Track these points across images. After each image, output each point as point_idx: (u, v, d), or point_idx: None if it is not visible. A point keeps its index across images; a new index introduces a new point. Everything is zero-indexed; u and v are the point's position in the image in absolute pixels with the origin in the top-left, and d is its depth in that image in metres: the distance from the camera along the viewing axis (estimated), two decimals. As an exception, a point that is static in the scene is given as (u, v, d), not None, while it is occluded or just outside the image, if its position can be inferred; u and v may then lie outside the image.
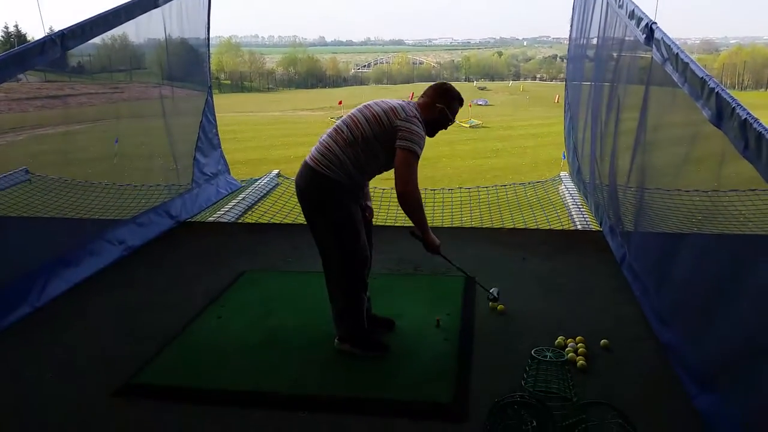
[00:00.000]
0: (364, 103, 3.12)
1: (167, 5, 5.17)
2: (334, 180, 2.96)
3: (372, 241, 3.41)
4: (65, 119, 4.98)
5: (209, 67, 6.49)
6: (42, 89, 4.84)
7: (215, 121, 6.50)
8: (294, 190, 3.22)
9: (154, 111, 5.77)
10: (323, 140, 3.04)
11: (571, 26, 6.78)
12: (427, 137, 3.08)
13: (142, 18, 4.82)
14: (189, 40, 6.05)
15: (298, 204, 3.19)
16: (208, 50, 6.40)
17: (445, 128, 3.21)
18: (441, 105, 3.09)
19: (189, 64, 6.32)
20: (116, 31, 4.59)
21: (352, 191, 3.06)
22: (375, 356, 3.22)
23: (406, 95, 54.59)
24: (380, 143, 2.95)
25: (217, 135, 6.56)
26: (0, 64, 3.45)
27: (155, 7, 4.99)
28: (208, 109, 6.32)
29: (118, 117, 5.44)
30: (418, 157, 2.94)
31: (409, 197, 2.93)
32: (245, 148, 21.48)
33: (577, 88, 6.73)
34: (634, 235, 4.13)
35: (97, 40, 4.45)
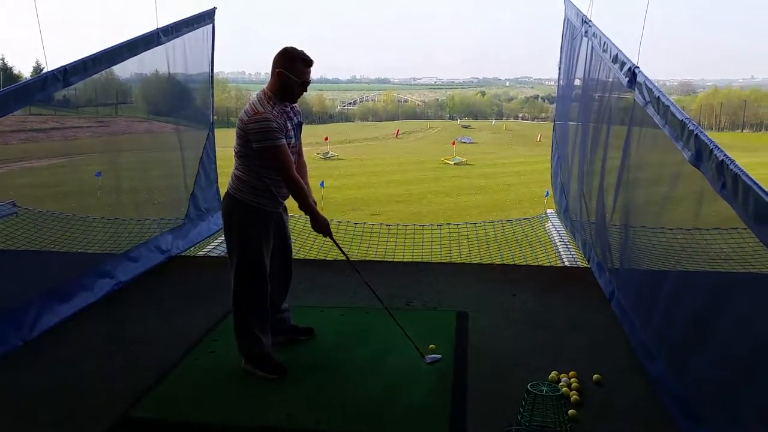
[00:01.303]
0: None
1: (170, 42, 5.24)
2: (238, 200, 3.31)
3: (289, 260, 3.69)
4: (66, 151, 5.00)
5: (212, 104, 6.55)
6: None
7: (215, 156, 6.52)
8: None
9: (151, 145, 5.81)
10: None
11: (559, 68, 6.98)
12: (302, 98, 3.39)
13: (146, 54, 4.87)
14: (192, 76, 6.10)
15: None
16: (212, 87, 6.45)
17: (300, 90, 3.31)
18: (279, 69, 3.24)
19: (191, 100, 6.36)
20: (118, 67, 4.63)
21: (259, 206, 3.32)
22: (274, 378, 3.36)
23: (391, 132, 55.31)
24: (252, 150, 3.21)
25: (216, 170, 6.59)
26: (1, 99, 3.48)
27: (158, 45, 5.04)
28: (209, 145, 6.35)
29: (115, 150, 5.45)
30: (279, 145, 3.17)
31: (287, 181, 3.26)
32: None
33: (564, 127, 6.90)
34: (621, 271, 4.22)
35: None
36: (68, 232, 4.94)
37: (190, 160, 6.08)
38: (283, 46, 3.33)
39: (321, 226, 3.38)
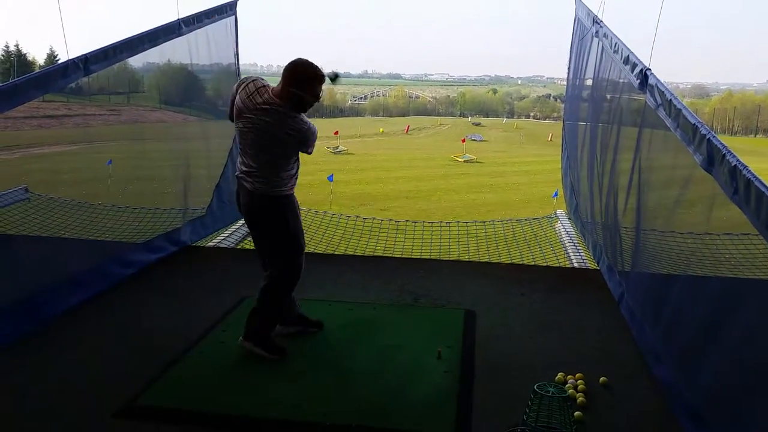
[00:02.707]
0: None
1: (193, 34, 5.23)
2: None
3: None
4: (86, 138, 5.04)
5: None
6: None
7: None
8: None
9: (174, 135, 5.81)
10: None
11: (569, 68, 6.96)
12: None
13: (167, 45, 4.87)
14: (215, 68, 6.07)
15: None
16: (238, 78, 6.46)
17: (314, 101, 3.43)
18: (292, 89, 3.30)
19: (216, 91, 6.36)
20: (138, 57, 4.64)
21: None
22: (273, 358, 3.48)
23: (401, 128, 55.31)
24: None
25: None
26: (22, 86, 3.51)
27: (179, 35, 5.04)
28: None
29: (139, 139, 5.48)
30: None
31: None
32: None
33: (573, 127, 6.87)
34: (631, 274, 4.21)
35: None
36: (80, 219, 4.98)
37: (216, 152, 6.05)
38: (293, 61, 3.34)
39: None
